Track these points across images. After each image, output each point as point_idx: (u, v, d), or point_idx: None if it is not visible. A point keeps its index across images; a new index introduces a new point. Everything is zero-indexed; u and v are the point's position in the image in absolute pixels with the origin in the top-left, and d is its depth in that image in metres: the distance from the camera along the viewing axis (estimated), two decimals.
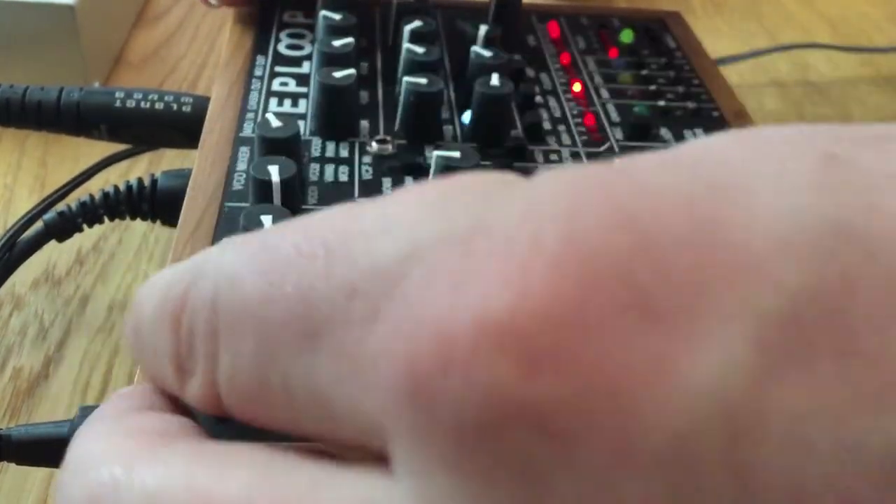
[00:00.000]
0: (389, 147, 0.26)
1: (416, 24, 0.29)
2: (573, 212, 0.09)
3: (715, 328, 0.08)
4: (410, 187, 0.11)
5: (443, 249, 0.10)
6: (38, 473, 0.26)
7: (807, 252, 0.08)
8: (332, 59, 0.27)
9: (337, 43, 0.28)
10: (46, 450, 0.21)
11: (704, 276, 0.08)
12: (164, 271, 0.13)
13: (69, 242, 0.30)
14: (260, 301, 0.11)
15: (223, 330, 0.11)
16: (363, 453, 0.10)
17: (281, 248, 0.11)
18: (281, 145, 0.23)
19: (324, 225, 0.11)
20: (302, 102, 0.28)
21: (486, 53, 0.28)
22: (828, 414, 0.08)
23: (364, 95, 0.28)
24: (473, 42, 0.29)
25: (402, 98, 0.26)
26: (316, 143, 0.26)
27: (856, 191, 0.09)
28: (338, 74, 0.26)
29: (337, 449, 0.11)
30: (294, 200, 0.22)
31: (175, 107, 0.29)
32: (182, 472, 0.11)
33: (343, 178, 0.24)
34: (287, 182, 0.22)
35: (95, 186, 0.30)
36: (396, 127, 0.27)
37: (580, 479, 0.08)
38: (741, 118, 0.29)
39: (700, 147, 0.10)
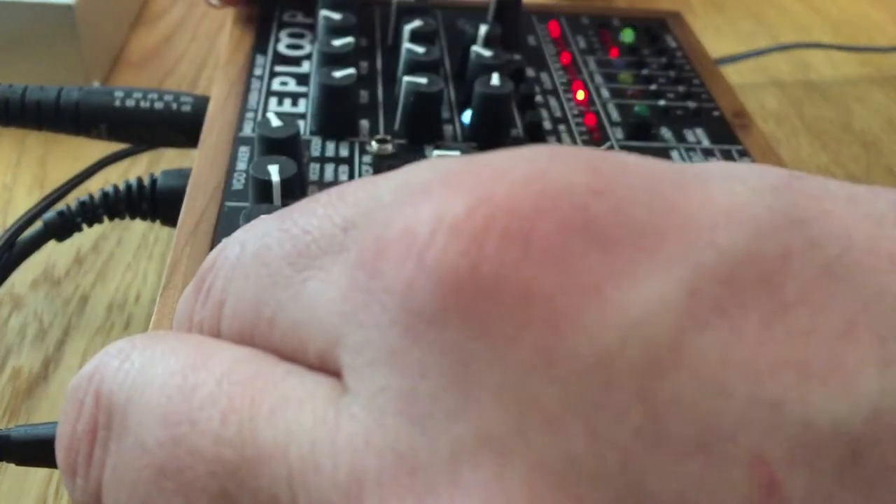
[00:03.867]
0: (389, 147, 0.26)
1: (417, 23, 0.29)
2: (548, 157, 0.10)
3: (654, 268, 0.09)
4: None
5: (426, 179, 0.10)
6: (38, 474, 0.26)
7: (755, 226, 0.09)
8: (332, 59, 0.27)
9: (337, 43, 0.28)
10: (46, 450, 0.21)
11: (654, 223, 0.09)
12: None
13: (68, 242, 0.30)
14: (273, 245, 0.12)
15: (236, 277, 0.12)
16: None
17: (305, 201, 0.12)
18: (281, 145, 0.23)
19: (344, 183, 0.12)
20: (302, 102, 0.28)
21: (487, 53, 0.28)
22: (748, 369, 0.08)
23: (364, 95, 0.28)
24: (473, 42, 0.29)
25: (402, 98, 0.26)
26: (316, 142, 0.26)
27: (813, 198, 0.10)
28: (338, 74, 0.26)
29: None
30: (294, 200, 0.22)
31: (175, 106, 0.29)
32: (188, 342, 0.12)
33: (343, 177, 0.24)
34: (287, 182, 0.22)
35: (95, 186, 0.30)
36: (396, 127, 0.27)
37: (503, 379, 0.09)
38: (741, 118, 0.29)
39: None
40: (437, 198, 0.10)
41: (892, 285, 0.09)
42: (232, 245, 0.13)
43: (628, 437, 0.08)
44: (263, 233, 0.12)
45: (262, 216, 0.13)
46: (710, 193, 0.10)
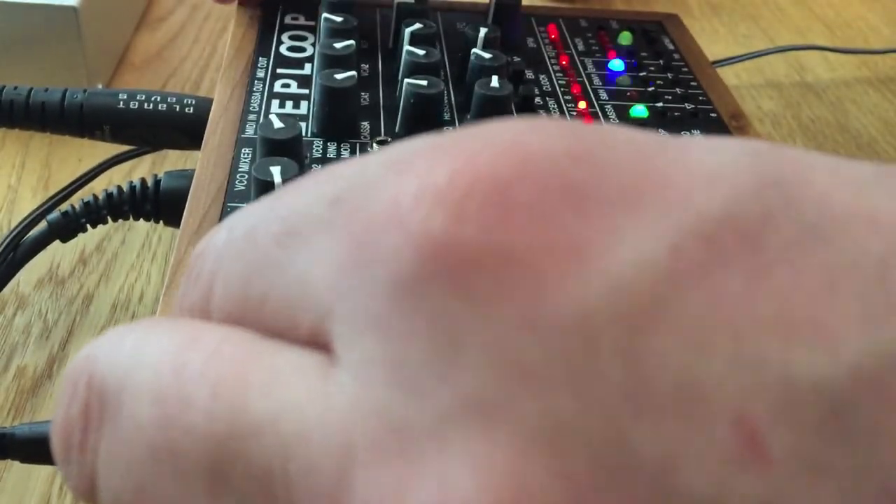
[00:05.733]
0: None
1: (417, 26, 0.29)
2: (530, 126, 0.10)
3: (637, 228, 0.09)
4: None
5: (413, 152, 0.11)
6: (42, 471, 0.26)
7: (736, 188, 0.09)
8: (334, 61, 0.28)
9: (338, 45, 0.28)
10: (50, 448, 0.21)
11: (634, 186, 0.09)
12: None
13: (73, 242, 0.30)
14: (261, 226, 0.12)
15: (225, 259, 0.12)
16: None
17: (295, 182, 0.12)
18: (283, 146, 0.23)
19: (340, 161, 0.12)
20: (303, 104, 0.28)
21: (486, 55, 0.29)
22: (730, 327, 0.08)
23: (365, 97, 0.29)
24: (473, 44, 0.29)
25: (402, 100, 0.27)
26: (317, 144, 0.26)
27: (793, 164, 0.10)
28: (339, 76, 0.26)
29: None
30: None
31: (178, 108, 0.29)
32: (180, 324, 0.12)
33: None
34: (289, 183, 0.22)
35: (99, 187, 0.30)
36: (397, 128, 0.27)
37: (487, 342, 0.09)
38: (738, 119, 0.30)
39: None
40: (421, 168, 0.10)
41: (871, 246, 0.09)
42: (220, 230, 0.13)
43: (612, 395, 0.08)
44: (251, 216, 0.12)
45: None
46: (691, 158, 0.10)
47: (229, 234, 0.12)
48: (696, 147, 0.10)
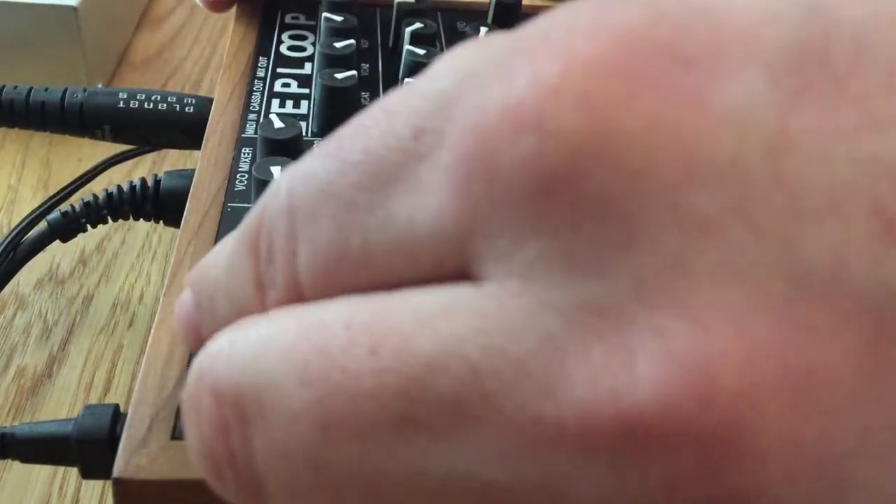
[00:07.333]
0: None
1: (417, 25, 0.29)
2: (596, 10, 0.10)
3: (736, 70, 0.10)
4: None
5: (490, 62, 0.11)
6: (42, 471, 0.26)
7: (792, 20, 0.10)
8: (334, 61, 0.28)
9: (338, 45, 0.28)
10: (50, 448, 0.21)
11: (717, 35, 0.10)
12: (224, 241, 0.14)
13: (73, 243, 0.30)
14: (334, 177, 0.11)
15: (300, 223, 0.12)
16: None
17: (345, 130, 0.12)
18: (283, 146, 0.23)
19: (380, 100, 0.12)
20: (304, 103, 0.28)
21: None
22: (839, 133, 0.09)
23: (365, 97, 0.29)
24: None
25: None
26: (318, 143, 0.26)
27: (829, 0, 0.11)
28: (339, 76, 0.26)
29: None
30: None
31: (178, 108, 0.29)
32: (289, 315, 0.12)
33: None
34: None
35: (99, 187, 0.30)
36: None
37: (656, 202, 0.09)
38: None
39: None
40: (521, 71, 0.10)
41: None
42: (273, 198, 0.12)
43: (779, 217, 0.09)
44: (309, 173, 0.12)
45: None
46: (735, 6, 0.10)
47: (290, 197, 0.12)
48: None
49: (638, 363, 0.09)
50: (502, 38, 0.11)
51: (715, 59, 0.10)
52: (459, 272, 0.11)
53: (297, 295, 0.12)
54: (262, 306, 0.12)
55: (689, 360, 0.09)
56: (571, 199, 0.10)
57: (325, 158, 0.12)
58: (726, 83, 0.10)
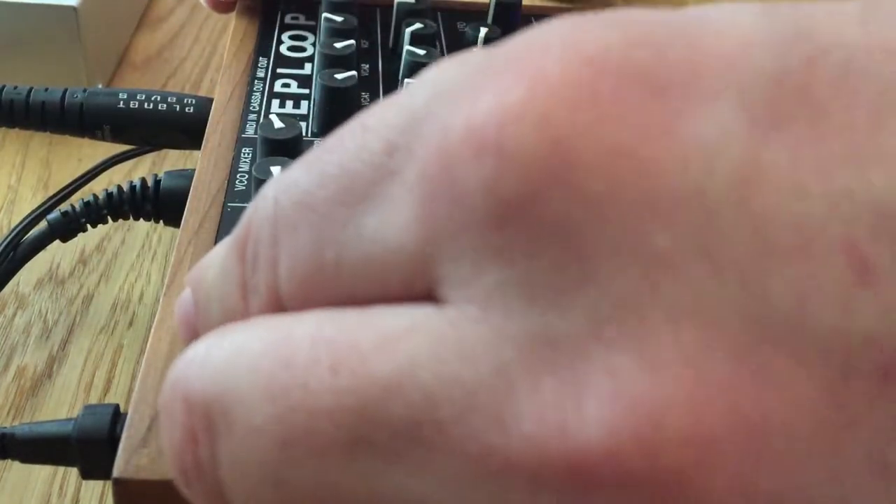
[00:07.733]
0: None
1: (417, 26, 0.29)
2: (574, 29, 0.10)
3: (710, 99, 0.09)
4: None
5: (461, 80, 0.11)
6: (42, 471, 0.26)
7: (775, 47, 0.10)
8: (334, 61, 0.28)
9: (338, 45, 0.28)
10: (50, 448, 0.21)
11: (695, 60, 0.10)
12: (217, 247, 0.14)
13: (73, 242, 0.30)
14: (313, 189, 0.12)
15: (282, 232, 0.12)
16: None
17: (328, 142, 0.12)
18: (283, 146, 0.23)
19: (361, 115, 0.12)
20: (304, 104, 0.28)
21: None
22: (815, 169, 0.09)
23: (365, 97, 0.29)
24: (473, 44, 0.29)
25: None
26: (318, 144, 0.26)
27: (799, 11, 0.10)
28: (339, 76, 0.26)
29: None
30: None
31: (178, 108, 0.29)
32: (262, 326, 0.12)
33: None
34: None
35: (99, 187, 0.30)
36: None
37: (614, 235, 0.09)
38: None
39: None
40: (486, 92, 0.10)
41: (893, 73, 0.09)
42: (261, 204, 0.12)
43: (741, 255, 0.09)
44: (293, 183, 0.12)
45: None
46: (719, 28, 0.10)
47: (276, 205, 0.12)
48: (715, 19, 0.10)
49: (588, 401, 0.09)
50: (479, 56, 0.11)
51: (689, 86, 0.09)
52: (427, 293, 0.10)
53: (278, 304, 0.12)
54: (246, 313, 0.12)
55: (636, 403, 0.09)
56: (528, 227, 0.09)
57: (307, 169, 0.12)
58: (698, 112, 0.09)
